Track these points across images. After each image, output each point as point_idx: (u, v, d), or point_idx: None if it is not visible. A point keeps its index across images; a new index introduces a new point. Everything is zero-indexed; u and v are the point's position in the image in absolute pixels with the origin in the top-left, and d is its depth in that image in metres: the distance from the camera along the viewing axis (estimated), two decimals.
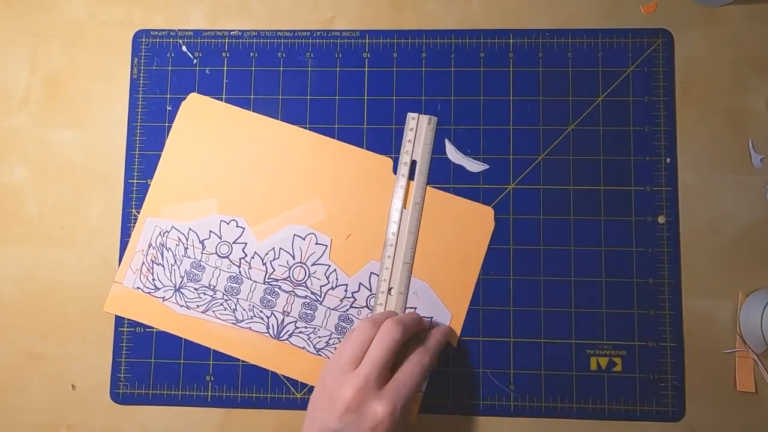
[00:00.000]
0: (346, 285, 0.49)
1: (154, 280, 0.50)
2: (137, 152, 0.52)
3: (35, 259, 0.51)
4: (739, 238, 0.49)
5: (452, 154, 0.50)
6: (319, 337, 0.49)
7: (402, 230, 0.49)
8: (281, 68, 0.52)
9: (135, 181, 0.51)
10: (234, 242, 0.50)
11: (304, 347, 0.49)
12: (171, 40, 0.53)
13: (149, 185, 0.51)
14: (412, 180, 0.50)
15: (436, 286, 0.49)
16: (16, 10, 0.53)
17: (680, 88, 0.50)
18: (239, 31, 0.52)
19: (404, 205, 0.49)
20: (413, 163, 0.50)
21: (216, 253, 0.50)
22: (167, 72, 0.52)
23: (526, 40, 0.51)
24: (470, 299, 0.49)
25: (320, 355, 0.49)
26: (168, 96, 0.52)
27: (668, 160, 0.50)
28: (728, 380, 0.48)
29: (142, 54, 0.52)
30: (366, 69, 0.52)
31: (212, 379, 0.49)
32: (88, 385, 0.50)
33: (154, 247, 0.50)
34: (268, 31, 0.52)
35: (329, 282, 0.49)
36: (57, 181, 0.52)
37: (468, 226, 0.49)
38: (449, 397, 0.48)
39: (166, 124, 0.52)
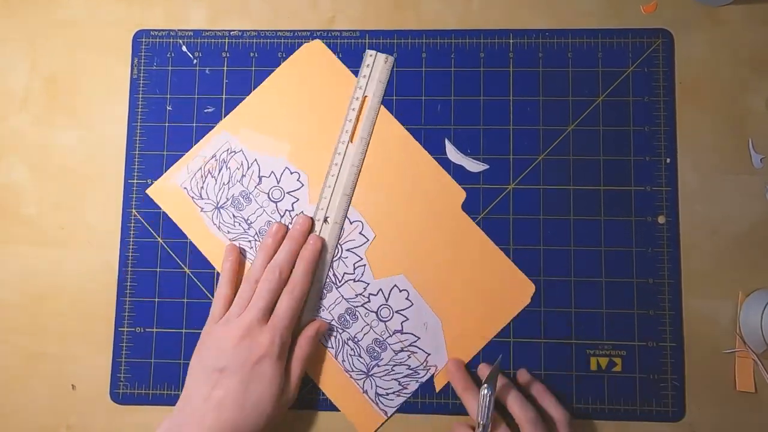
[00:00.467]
0: (368, 284, 0.49)
1: (201, 188, 0.50)
2: (137, 152, 0.52)
3: (35, 259, 0.51)
4: (739, 238, 0.49)
5: (452, 154, 0.50)
6: (321, 317, 0.49)
7: (346, 162, 0.50)
8: None
9: (135, 181, 0.51)
10: (288, 193, 0.50)
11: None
12: (171, 40, 0.53)
13: (242, 102, 0.51)
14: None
15: (447, 328, 0.49)
16: (16, 10, 0.53)
17: (680, 88, 0.50)
18: (239, 31, 0.52)
19: (351, 139, 0.50)
20: (365, 98, 0.50)
21: (268, 194, 0.50)
22: (167, 72, 0.52)
23: (526, 40, 0.51)
24: (471, 358, 0.49)
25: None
26: (168, 96, 0.52)
27: (668, 160, 0.50)
28: (728, 380, 0.48)
29: (142, 54, 0.52)
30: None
31: None
32: (88, 385, 0.50)
33: (216, 159, 0.51)
34: (268, 31, 0.52)
35: (354, 273, 0.49)
36: (57, 181, 0.52)
37: (505, 291, 0.49)
38: (450, 397, 0.48)
39: (166, 124, 0.52)
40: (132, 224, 0.51)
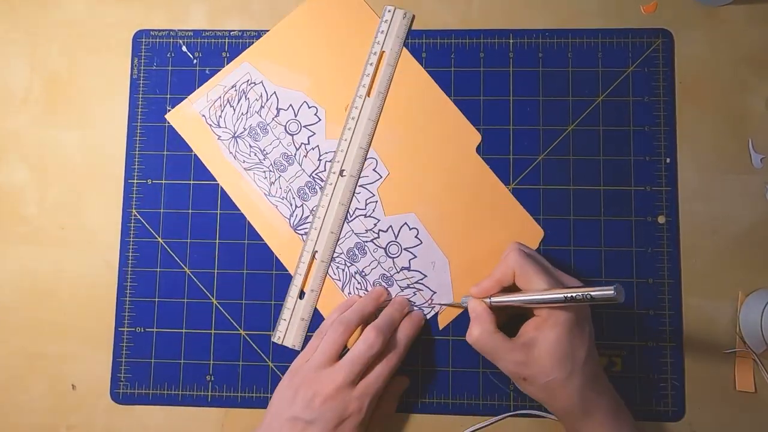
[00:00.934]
0: (379, 221, 0.50)
1: (220, 117, 0.51)
2: (137, 152, 0.52)
3: (35, 259, 0.51)
4: (739, 238, 0.49)
5: None
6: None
7: (362, 117, 0.50)
8: None
9: (135, 181, 0.51)
10: (305, 126, 0.51)
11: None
12: (171, 40, 0.53)
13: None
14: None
15: (454, 267, 0.49)
16: (16, 10, 0.53)
17: (680, 88, 0.50)
18: (239, 31, 0.52)
19: (368, 93, 0.50)
20: (383, 53, 0.51)
21: (285, 126, 0.51)
22: (167, 72, 0.52)
23: (526, 40, 0.51)
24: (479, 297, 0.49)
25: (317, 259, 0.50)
26: (168, 96, 0.52)
27: (668, 160, 0.50)
28: (728, 380, 0.48)
29: (142, 54, 0.52)
30: None
31: (212, 379, 0.49)
32: (88, 385, 0.50)
33: (236, 89, 0.51)
34: (268, 31, 0.52)
35: (366, 209, 0.50)
36: (57, 181, 0.52)
37: (513, 234, 0.49)
38: (449, 397, 0.48)
39: (166, 124, 0.52)
40: (132, 224, 0.51)
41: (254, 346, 0.50)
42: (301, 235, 0.50)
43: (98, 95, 0.52)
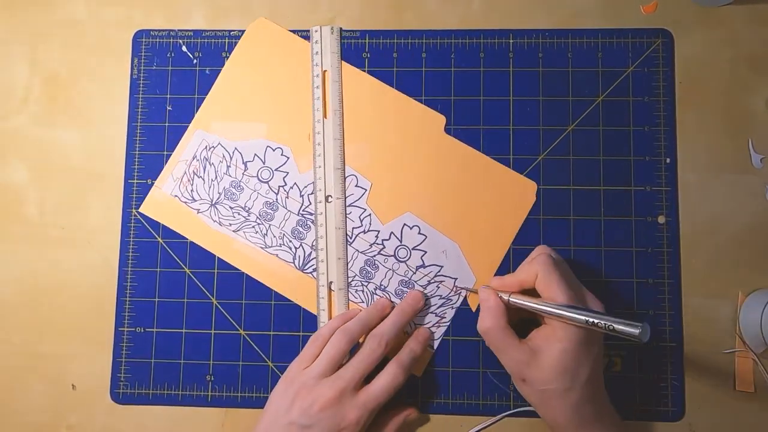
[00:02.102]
0: (378, 231, 0.50)
1: (192, 191, 0.50)
2: (137, 152, 0.52)
3: (35, 259, 0.51)
4: (739, 238, 0.49)
5: None
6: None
7: (327, 139, 0.50)
8: None
9: (135, 181, 0.51)
10: (276, 169, 0.50)
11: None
12: (171, 40, 0.53)
13: (205, 98, 0.51)
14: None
15: (466, 248, 0.49)
16: (16, 10, 0.53)
17: (680, 88, 0.50)
18: (239, 31, 0.52)
19: (324, 115, 0.50)
20: (325, 73, 0.51)
21: (257, 176, 0.50)
22: (167, 72, 0.52)
23: (526, 40, 0.51)
24: (497, 268, 0.49)
25: (335, 289, 0.49)
26: (168, 96, 0.52)
27: (668, 160, 0.50)
28: (728, 380, 0.48)
29: (142, 54, 0.52)
30: (366, 69, 0.52)
31: (212, 379, 0.49)
32: (88, 385, 0.50)
33: (197, 160, 0.51)
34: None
35: (362, 225, 0.50)
36: (57, 181, 0.52)
37: (508, 196, 0.50)
38: (449, 397, 0.48)
39: (166, 124, 0.52)
40: (132, 224, 0.51)
41: (254, 346, 0.50)
42: (310, 272, 0.50)
43: (98, 95, 0.52)
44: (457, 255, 0.49)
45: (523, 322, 0.45)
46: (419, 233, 0.50)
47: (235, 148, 0.51)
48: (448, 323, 0.49)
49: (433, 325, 0.49)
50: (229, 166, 0.50)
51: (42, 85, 0.53)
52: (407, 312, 0.47)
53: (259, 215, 0.50)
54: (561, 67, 0.51)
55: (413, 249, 0.49)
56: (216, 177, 0.50)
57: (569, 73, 0.51)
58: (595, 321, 0.40)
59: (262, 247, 0.50)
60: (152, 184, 0.51)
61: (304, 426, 0.42)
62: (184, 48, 0.52)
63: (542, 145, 0.50)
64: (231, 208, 0.50)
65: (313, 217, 0.50)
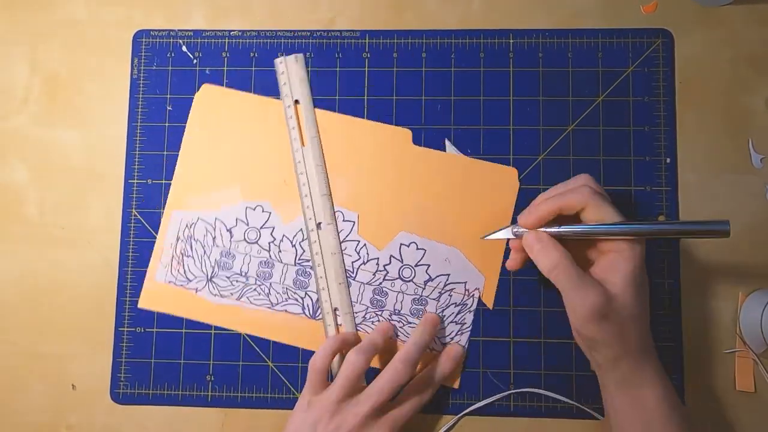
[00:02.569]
0: (378, 258, 0.50)
1: (185, 272, 0.50)
2: (137, 152, 0.52)
3: (35, 259, 0.51)
4: (739, 238, 0.49)
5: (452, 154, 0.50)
6: (355, 312, 0.49)
7: (309, 166, 0.49)
8: None
9: (135, 181, 0.51)
10: (261, 227, 0.50)
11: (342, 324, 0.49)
12: (171, 40, 0.53)
13: (170, 183, 0.51)
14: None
15: (466, 250, 0.49)
16: (16, 10, 0.53)
17: (680, 88, 0.50)
18: (239, 31, 0.52)
19: (302, 143, 0.50)
20: (296, 103, 0.50)
21: (244, 239, 0.50)
22: (167, 72, 0.52)
23: (526, 40, 0.51)
24: (502, 260, 0.49)
25: (360, 329, 0.49)
26: (168, 96, 0.52)
27: (668, 160, 0.50)
28: (728, 380, 0.48)
29: (142, 54, 0.52)
30: (366, 69, 0.52)
31: (212, 379, 0.49)
32: (88, 385, 0.50)
33: (182, 240, 0.50)
34: (268, 31, 0.52)
35: (360, 257, 0.50)
36: (57, 181, 0.52)
37: (493, 189, 0.50)
38: (449, 396, 0.48)
39: (166, 124, 0.52)
40: (132, 224, 0.51)
41: (254, 346, 0.50)
42: (322, 318, 0.49)
43: (98, 95, 0.52)
44: (460, 259, 0.49)
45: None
46: (417, 249, 0.49)
47: (216, 218, 0.50)
48: (470, 328, 0.49)
49: (456, 334, 0.49)
50: (215, 237, 0.50)
51: (42, 85, 0.53)
52: (428, 330, 0.47)
53: (258, 276, 0.50)
54: (561, 67, 0.51)
55: (416, 266, 0.49)
56: (205, 252, 0.50)
57: (569, 73, 0.51)
58: (684, 228, 0.41)
59: (269, 307, 0.49)
60: (152, 184, 0.51)
61: None
62: (184, 48, 0.52)
63: (542, 145, 0.50)
64: (228, 277, 0.50)
65: (310, 264, 0.49)
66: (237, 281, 0.50)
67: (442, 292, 0.49)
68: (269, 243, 0.50)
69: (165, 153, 0.51)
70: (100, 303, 0.50)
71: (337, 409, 0.43)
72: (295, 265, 0.50)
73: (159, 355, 0.50)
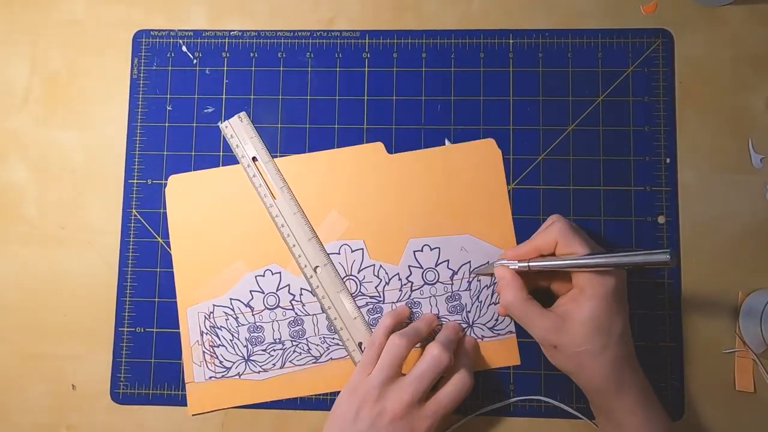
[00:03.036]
0: (398, 274, 0.49)
1: (221, 362, 0.49)
2: (137, 152, 0.52)
3: (35, 259, 0.51)
4: (739, 238, 0.49)
5: None
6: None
7: (287, 216, 0.49)
8: (281, 68, 0.52)
9: (135, 181, 0.51)
10: (277, 290, 0.49)
11: None
12: (171, 40, 0.53)
13: (174, 277, 0.50)
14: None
15: (477, 232, 0.49)
16: (16, 10, 0.53)
17: (680, 88, 0.50)
18: (239, 31, 0.52)
19: (273, 197, 0.50)
20: (254, 160, 0.50)
21: (266, 307, 0.49)
22: (167, 72, 0.52)
23: (526, 40, 0.51)
24: (514, 230, 0.49)
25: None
26: (168, 96, 0.52)
27: (668, 160, 0.50)
28: (728, 380, 0.48)
29: (142, 54, 0.52)
30: (366, 69, 0.52)
31: None
32: (88, 385, 0.50)
33: (206, 333, 0.49)
34: (268, 31, 0.52)
35: (381, 279, 0.49)
36: (57, 181, 0.52)
37: (478, 165, 0.50)
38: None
39: (166, 125, 0.52)
40: (132, 224, 0.51)
41: None
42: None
43: (98, 95, 0.52)
44: (474, 243, 0.49)
45: (540, 296, 0.45)
46: (431, 249, 0.49)
47: (230, 299, 0.50)
48: None
49: (497, 317, 0.49)
50: (237, 317, 0.49)
51: (42, 85, 0.53)
52: (457, 330, 0.48)
53: (292, 338, 0.49)
54: (561, 67, 0.51)
55: (436, 266, 0.49)
56: (233, 336, 0.49)
57: (569, 73, 0.51)
58: (624, 260, 0.40)
59: (314, 363, 0.49)
60: (152, 184, 0.51)
61: None
62: (184, 48, 0.52)
63: (542, 145, 0.50)
64: (264, 350, 0.49)
65: (326, 308, 0.49)
66: (274, 350, 0.49)
67: (471, 280, 0.49)
68: (291, 302, 0.49)
69: (165, 153, 0.51)
70: (100, 303, 0.50)
71: (381, 393, 0.43)
72: (323, 312, 0.49)
73: (159, 355, 0.50)
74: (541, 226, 0.46)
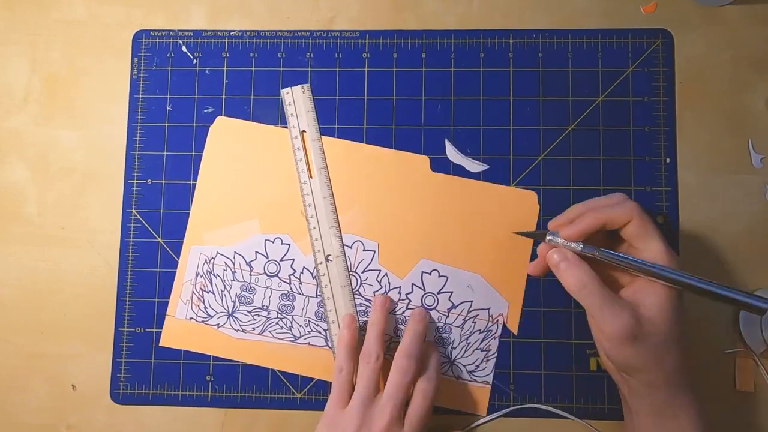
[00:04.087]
0: (399, 287, 0.49)
1: (206, 308, 0.49)
2: (137, 152, 0.52)
3: (35, 259, 0.51)
4: (739, 237, 0.49)
5: (452, 154, 0.50)
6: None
7: (317, 198, 0.49)
8: (281, 68, 0.52)
9: (135, 181, 0.51)
10: (281, 260, 0.49)
11: None
12: (171, 40, 0.53)
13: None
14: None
15: (488, 276, 0.49)
16: (16, 10, 0.53)
17: (680, 88, 0.50)
18: (239, 31, 0.52)
19: (310, 175, 0.49)
20: (303, 133, 0.50)
21: (265, 273, 0.49)
22: (167, 72, 0.52)
23: (526, 40, 0.51)
24: (525, 286, 0.49)
25: (386, 358, 0.47)
26: (168, 96, 0.52)
27: (668, 160, 0.50)
28: (728, 380, 0.48)
29: (142, 54, 0.52)
30: (366, 69, 0.52)
31: (212, 379, 0.49)
32: (88, 385, 0.50)
33: (201, 276, 0.49)
34: (268, 31, 0.52)
35: (381, 287, 0.49)
36: (57, 181, 0.52)
37: (512, 213, 0.49)
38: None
39: (166, 125, 0.52)
40: (132, 224, 0.51)
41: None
42: None
43: (98, 95, 0.52)
44: (482, 285, 0.49)
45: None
46: (439, 276, 0.49)
47: (235, 252, 0.50)
48: (495, 355, 0.48)
49: (482, 361, 0.48)
50: (234, 272, 0.49)
51: (42, 85, 0.53)
52: (420, 327, 0.47)
53: (279, 310, 0.49)
54: (561, 67, 0.51)
55: (438, 293, 0.49)
56: (225, 287, 0.49)
57: (569, 73, 0.51)
58: (719, 292, 0.38)
59: (291, 341, 0.49)
60: (152, 184, 0.51)
61: None
62: (184, 48, 0.52)
63: (542, 145, 0.50)
64: (249, 312, 0.49)
65: (326, 298, 0.49)
66: (259, 315, 0.49)
67: (466, 319, 0.49)
68: (290, 276, 0.49)
69: (165, 153, 0.51)
70: (100, 303, 0.50)
71: (360, 424, 0.42)
72: (316, 297, 0.49)
73: (159, 355, 0.50)
74: (608, 197, 0.42)
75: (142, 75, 0.52)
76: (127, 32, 0.53)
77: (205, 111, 0.52)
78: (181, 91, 0.52)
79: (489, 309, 0.49)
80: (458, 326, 0.49)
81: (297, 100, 0.51)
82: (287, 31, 0.52)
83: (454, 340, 0.49)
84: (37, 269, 0.51)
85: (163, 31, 0.53)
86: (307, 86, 0.51)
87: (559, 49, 0.51)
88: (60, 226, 0.51)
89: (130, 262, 0.51)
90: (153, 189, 0.51)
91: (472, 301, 0.49)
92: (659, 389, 0.40)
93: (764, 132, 0.50)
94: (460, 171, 0.50)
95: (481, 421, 0.48)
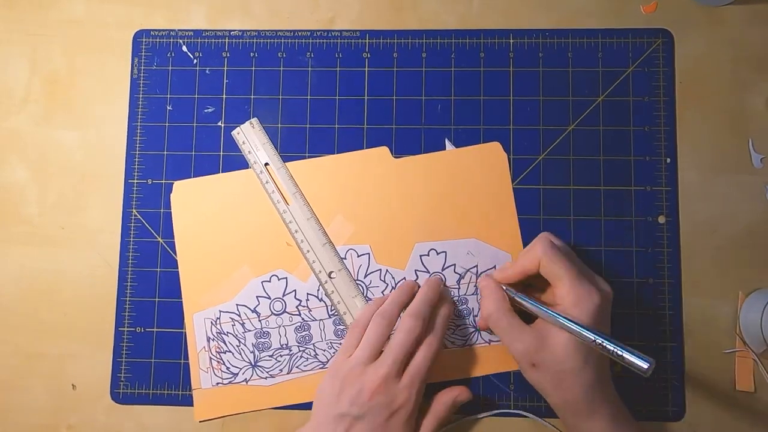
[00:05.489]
0: (404, 278, 0.49)
1: (228, 368, 0.49)
2: (137, 152, 0.52)
3: (35, 259, 0.51)
4: (739, 238, 0.49)
5: None
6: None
7: (300, 222, 0.49)
8: (281, 68, 0.52)
9: (135, 181, 0.51)
10: (284, 295, 0.49)
11: None
12: (171, 40, 0.53)
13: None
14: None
15: (484, 236, 0.49)
16: (16, 10, 0.53)
17: (680, 88, 0.50)
18: (239, 31, 0.52)
19: (287, 203, 0.49)
20: (267, 166, 0.50)
21: (272, 313, 0.49)
22: (167, 72, 0.52)
23: (526, 40, 0.51)
24: (520, 234, 0.49)
25: None
26: (168, 96, 0.52)
27: (668, 160, 0.50)
28: (728, 380, 0.48)
29: (142, 54, 0.52)
30: (366, 69, 0.52)
31: None
32: (88, 385, 0.50)
33: (213, 339, 0.49)
34: (268, 31, 0.52)
35: (387, 284, 0.49)
36: (57, 181, 0.52)
37: (484, 169, 0.50)
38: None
39: (166, 124, 0.52)
40: (132, 224, 0.51)
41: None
42: None
43: (98, 95, 0.52)
44: (481, 246, 0.49)
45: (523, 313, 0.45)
46: (438, 254, 0.49)
47: (237, 305, 0.49)
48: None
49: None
50: (243, 323, 0.49)
51: (42, 85, 0.53)
52: (433, 288, 0.47)
53: (299, 343, 0.49)
54: (561, 67, 0.51)
55: (443, 270, 0.49)
56: (239, 341, 0.49)
57: (569, 73, 0.51)
58: (605, 345, 0.40)
59: (321, 368, 0.49)
60: (152, 184, 0.51)
61: (356, 417, 0.42)
62: (184, 48, 0.52)
63: (542, 145, 0.50)
64: (271, 356, 0.49)
65: (342, 313, 0.49)
66: (281, 356, 0.49)
67: (477, 284, 0.49)
68: (297, 307, 0.49)
69: (165, 153, 0.51)
70: (100, 303, 0.50)
71: (361, 372, 0.43)
72: (329, 317, 0.49)
73: (159, 355, 0.50)
74: (530, 244, 0.46)
75: (142, 75, 0.52)
76: (127, 32, 0.53)
77: (206, 111, 0.52)
78: (182, 91, 0.52)
79: (495, 266, 0.49)
80: (472, 294, 0.49)
81: (249, 136, 0.51)
82: (287, 30, 0.52)
83: (473, 309, 0.49)
84: (37, 269, 0.51)
85: (164, 30, 0.53)
86: (255, 120, 0.51)
87: (560, 48, 0.51)
88: (60, 226, 0.51)
89: (130, 262, 0.51)
90: (153, 189, 0.51)
91: (476, 266, 0.49)
92: (564, 412, 0.43)
93: (764, 132, 0.50)
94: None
95: (483, 415, 0.48)
